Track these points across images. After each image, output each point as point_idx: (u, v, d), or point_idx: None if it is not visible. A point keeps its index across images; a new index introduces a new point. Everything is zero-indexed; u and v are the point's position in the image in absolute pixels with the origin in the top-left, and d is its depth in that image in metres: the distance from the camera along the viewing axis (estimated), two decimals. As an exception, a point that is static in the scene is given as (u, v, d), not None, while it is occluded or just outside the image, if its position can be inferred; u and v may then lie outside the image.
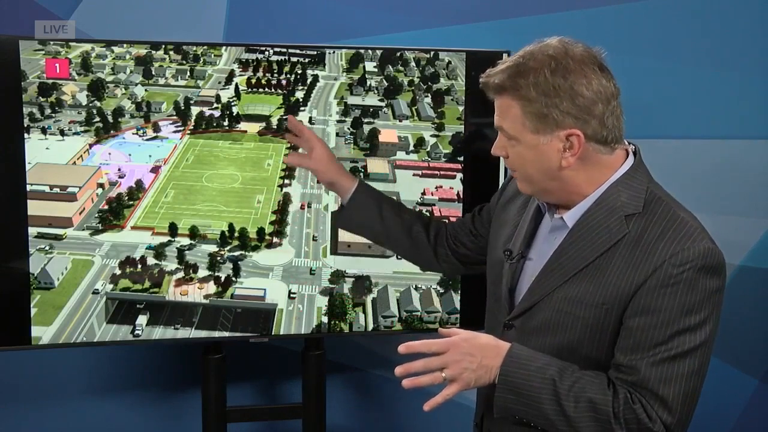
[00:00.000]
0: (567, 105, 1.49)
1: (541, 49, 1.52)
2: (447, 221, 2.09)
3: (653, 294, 1.46)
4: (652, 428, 1.46)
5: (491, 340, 1.55)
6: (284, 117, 2.36)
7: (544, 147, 1.53)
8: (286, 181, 2.45)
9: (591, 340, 1.54)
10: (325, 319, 2.47)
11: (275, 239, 2.44)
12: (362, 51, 2.45)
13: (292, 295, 2.45)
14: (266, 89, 2.42)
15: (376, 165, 2.49)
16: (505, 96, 1.54)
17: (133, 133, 2.36)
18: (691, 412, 1.50)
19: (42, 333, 2.31)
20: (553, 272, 1.58)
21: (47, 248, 2.30)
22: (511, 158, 1.59)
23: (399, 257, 2.49)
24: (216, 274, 2.41)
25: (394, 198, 2.29)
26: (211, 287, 2.41)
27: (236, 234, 2.41)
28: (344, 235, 2.46)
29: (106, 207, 2.35)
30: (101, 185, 2.35)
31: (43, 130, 2.28)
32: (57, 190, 2.31)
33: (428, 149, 2.50)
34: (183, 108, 2.38)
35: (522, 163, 1.57)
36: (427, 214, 2.39)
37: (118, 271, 2.36)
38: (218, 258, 2.41)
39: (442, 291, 2.53)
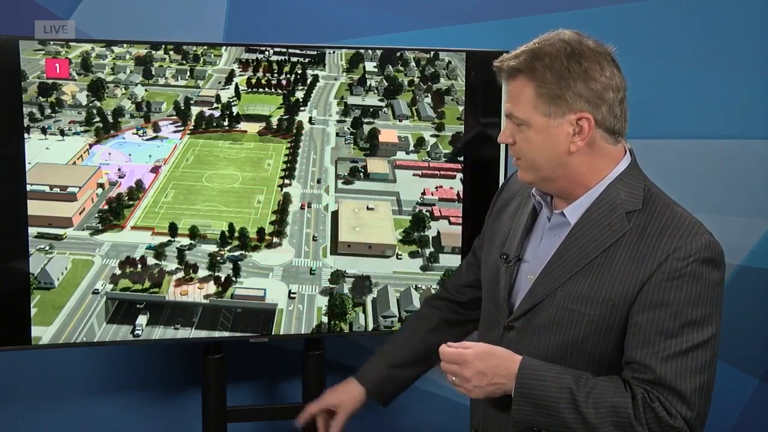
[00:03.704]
0: (580, 87, 1.52)
1: (557, 36, 1.57)
2: (444, 288, 2.08)
3: (660, 288, 1.49)
4: (673, 425, 1.46)
5: (502, 356, 1.55)
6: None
7: (553, 130, 1.55)
8: (286, 181, 2.45)
9: (596, 337, 1.55)
10: (325, 319, 2.47)
11: (275, 239, 2.44)
12: (362, 51, 2.45)
13: (292, 295, 2.45)
14: (266, 89, 2.42)
15: (376, 165, 2.49)
16: (519, 78, 1.56)
17: (133, 133, 2.36)
18: (707, 406, 1.51)
19: (42, 333, 2.31)
20: (555, 270, 1.58)
21: (47, 248, 2.30)
22: (518, 144, 1.59)
23: (400, 257, 2.49)
24: (216, 274, 2.41)
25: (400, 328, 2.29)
26: (211, 287, 2.41)
27: (236, 234, 2.41)
28: (344, 235, 2.46)
29: (106, 207, 2.35)
30: (101, 185, 2.35)
31: (43, 130, 2.28)
32: (57, 190, 2.31)
33: (428, 149, 2.50)
34: (183, 108, 2.38)
35: (529, 148, 1.57)
36: (432, 307, 2.08)
37: (118, 271, 2.36)
38: (218, 258, 2.41)
39: (442, 291, 2.53)
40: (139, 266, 2.38)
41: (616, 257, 1.53)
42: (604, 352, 1.55)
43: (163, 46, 2.35)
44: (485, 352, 1.54)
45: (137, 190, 2.37)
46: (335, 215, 2.47)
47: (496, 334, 1.66)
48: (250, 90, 2.41)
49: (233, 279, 2.42)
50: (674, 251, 1.49)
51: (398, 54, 2.47)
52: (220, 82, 2.39)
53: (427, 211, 2.50)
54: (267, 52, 2.41)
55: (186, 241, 2.39)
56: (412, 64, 2.47)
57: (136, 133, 2.37)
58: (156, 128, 2.38)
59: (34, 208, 2.27)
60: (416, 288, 2.52)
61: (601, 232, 1.55)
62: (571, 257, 1.57)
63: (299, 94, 2.43)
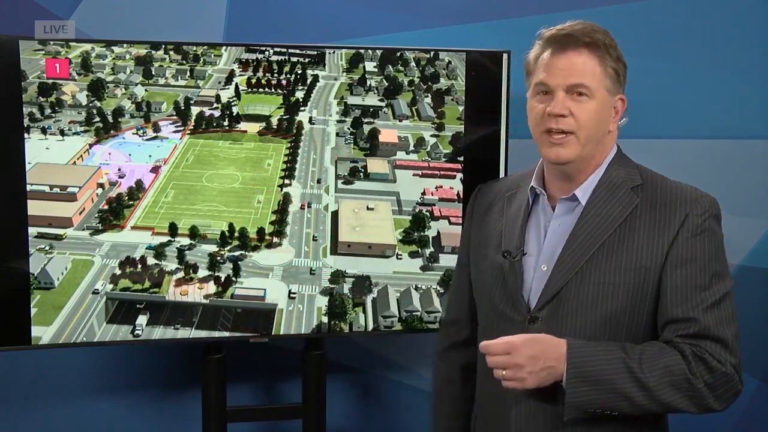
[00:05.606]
0: (624, 71, 1.65)
1: (590, 23, 1.67)
2: (444, 333, 1.96)
3: (687, 244, 1.57)
4: (726, 372, 1.52)
5: (547, 341, 1.53)
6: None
7: (608, 107, 1.63)
8: (286, 181, 2.45)
9: (633, 306, 1.59)
10: (325, 319, 2.47)
11: (275, 239, 2.44)
12: (362, 51, 2.45)
13: (292, 295, 2.45)
14: (266, 89, 2.42)
15: (376, 165, 2.49)
16: (583, 52, 1.61)
17: (133, 133, 2.36)
18: (740, 353, 1.58)
19: (42, 333, 2.31)
20: (574, 252, 1.61)
21: (47, 248, 2.30)
22: (576, 116, 1.59)
23: (400, 257, 2.49)
24: (216, 274, 2.41)
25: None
26: (211, 287, 2.41)
27: (236, 234, 2.41)
28: (344, 235, 2.47)
29: (106, 207, 2.35)
30: (101, 185, 2.35)
31: (43, 130, 2.28)
32: (57, 190, 2.31)
33: (428, 149, 2.50)
34: (183, 108, 2.38)
35: (587, 120, 1.60)
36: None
37: (118, 271, 2.36)
38: (218, 258, 2.41)
39: (442, 291, 2.53)
40: (139, 266, 2.38)
41: (635, 227, 1.60)
42: (639, 323, 1.59)
43: (163, 46, 2.35)
44: (530, 339, 1.53)
45: (137, 190, 2.37)
46: (335, 215, 2.47)
47: (517, 331, 1.60)
48: (250, 90, 2.41)
49: (233, 279, 2.42)
50: (691, 209, 1.58)
51: (398, 54, 2.47)
52: (220, 82, 2.39)
53: (427, 211, 2.50)
54: (267, 52, 2.41)
55: (186, 241, 2.39)
56: (412, 64, 2.47)
57: (136, 133, 2.37)
58: (156, 128, 2.38)
59: (34, 208, 2.28)
60: (416, 288, 2.52)
61: (613, 208, 1.62)
62: (588, 236, 1.61)
63: (299, 94, 2.43)
